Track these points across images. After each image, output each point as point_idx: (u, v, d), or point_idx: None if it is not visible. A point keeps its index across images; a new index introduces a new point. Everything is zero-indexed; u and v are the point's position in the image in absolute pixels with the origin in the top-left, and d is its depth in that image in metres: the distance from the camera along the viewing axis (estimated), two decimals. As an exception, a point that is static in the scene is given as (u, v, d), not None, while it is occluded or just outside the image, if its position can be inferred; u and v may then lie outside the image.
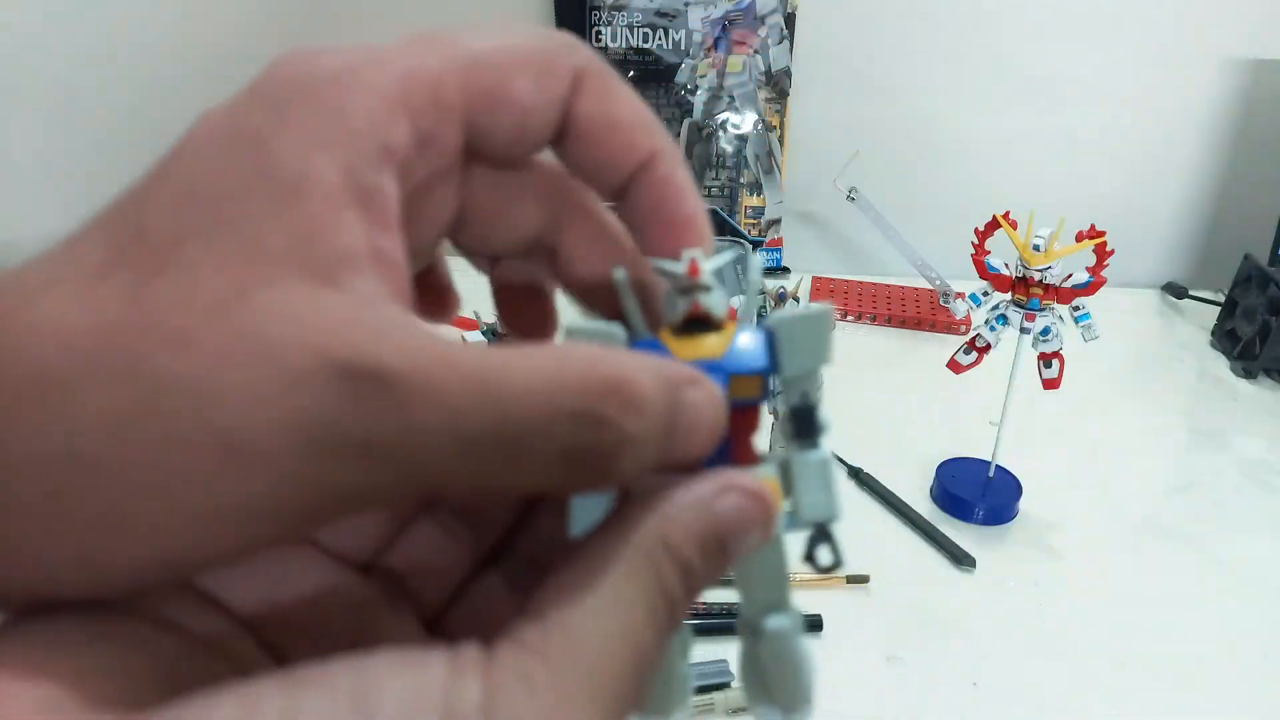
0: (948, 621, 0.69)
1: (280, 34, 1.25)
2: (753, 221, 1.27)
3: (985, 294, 0.74)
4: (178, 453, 0.15)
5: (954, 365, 0.76)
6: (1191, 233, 1.32)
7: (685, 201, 0.23)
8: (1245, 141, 1.25)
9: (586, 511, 0.22)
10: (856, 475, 0.83)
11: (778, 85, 1.22)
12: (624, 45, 1.21)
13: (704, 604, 0.66)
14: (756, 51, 1.21)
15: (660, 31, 1.20)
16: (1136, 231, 1.29)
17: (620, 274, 0.23)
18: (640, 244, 0.24)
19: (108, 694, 0.17)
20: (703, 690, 0.59)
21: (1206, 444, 0.95)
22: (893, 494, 0.81)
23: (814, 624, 0.66)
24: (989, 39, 1.20)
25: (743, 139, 1.24)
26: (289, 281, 0.16)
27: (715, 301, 0.22)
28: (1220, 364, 1.10)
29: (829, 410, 0.23)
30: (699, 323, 0.22)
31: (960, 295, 0.76)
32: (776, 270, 1.29)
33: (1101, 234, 0.70)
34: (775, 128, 1.24)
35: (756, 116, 1.23)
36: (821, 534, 0.22)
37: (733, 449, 0.22)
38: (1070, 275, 0.71)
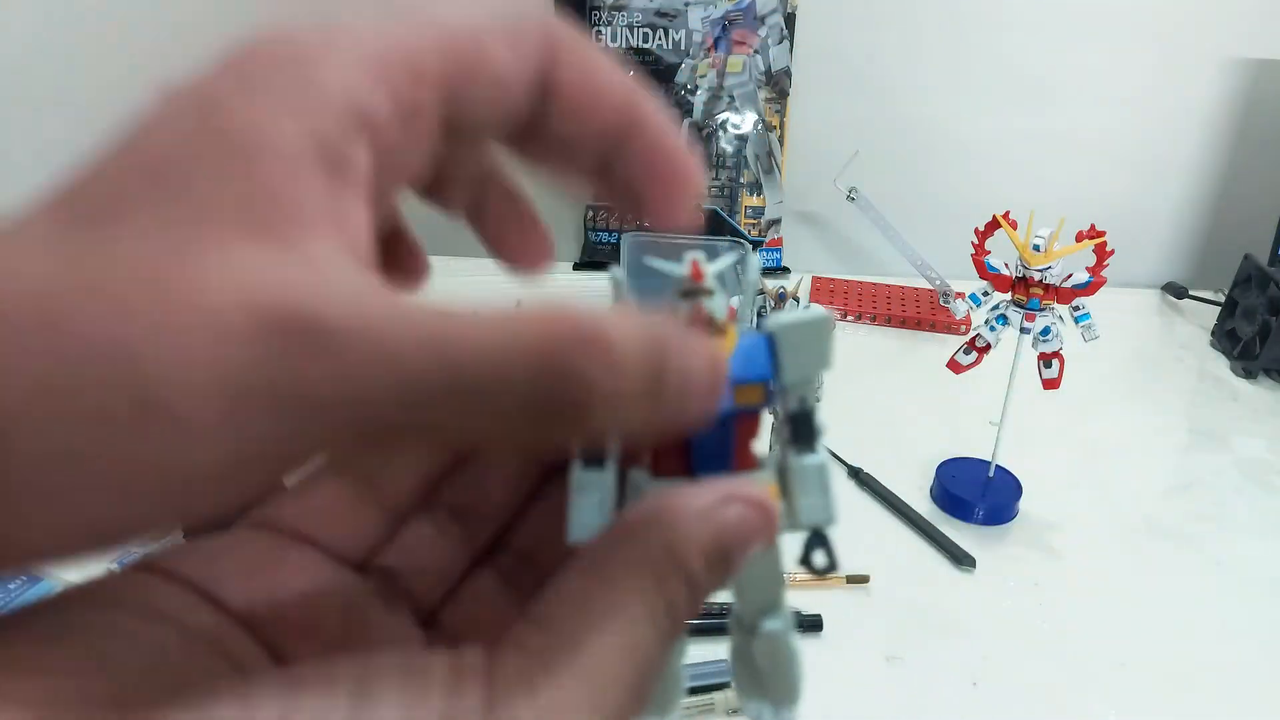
0: (948, 621, 0.69)
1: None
2: (753, 221, 1.27)
3: (985, 294, 0.74)
4: (93, 417, 0.15)
5: (954, 365, 0.76)
6: (1191, 233, 1.32)
7: (679, 157, 0.22)
8: (1245, 141, 1.25)
9: (585, 519, 0.22)
10: (856, 475, 0.83)
11: (778, 85, 1.22)
12: (624, 45, 1.21)
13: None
14: (756, 51, 1.21)
15: (660, 31, 1.20)
16: (1136, 231, 1.29)
17: (618, 274, 0.23)
18: (636, 208, 0.23)
19: (107, 691, 0.17)
20: (703, 690, 0.59)
21: (1206, 444, 0.95)
22: (893, 494, 0.81)
23: (814, 624, 0.66)
24: (989, 39, 1.20)
25: (743, 139, 1.24)
26: (235, 242, 0.16)
27: (717, 305, 0.22)
28: (1220, 364, 1.10)
29: (828, 410, 0.23)
30: (699, 326, 0.22)
31: (960, 295, 0.76)
32: (776, 270, 1.29)
33: (1101, 234, 0.70)
34: (775, 128, 1.24)
35: (756, 116, 1.23)
36: (818, 537, 0.22)
37: (733, 454, 0.22)
38: (1070, 275, 0.71)
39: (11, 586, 0.66)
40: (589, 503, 0.22)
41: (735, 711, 0.59)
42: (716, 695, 0.59)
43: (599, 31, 1.20)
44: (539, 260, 0.26)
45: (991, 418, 0.78)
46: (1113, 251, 0.71)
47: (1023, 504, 0.80)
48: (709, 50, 1.21)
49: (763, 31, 1.20)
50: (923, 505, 0.80)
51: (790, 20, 1.19)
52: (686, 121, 1.24)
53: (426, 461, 0.24)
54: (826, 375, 0.83)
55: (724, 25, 1.20)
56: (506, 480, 0.24)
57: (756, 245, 1.26)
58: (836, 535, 0.22)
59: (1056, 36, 1.20)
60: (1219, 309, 1.15)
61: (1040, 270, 0.70)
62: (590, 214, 1.28)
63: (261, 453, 0.16)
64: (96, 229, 0.16)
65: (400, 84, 0.19)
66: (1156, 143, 1.26)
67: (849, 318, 1.16)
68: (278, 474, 0.17)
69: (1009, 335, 0.74)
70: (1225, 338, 1.12)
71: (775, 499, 0.21)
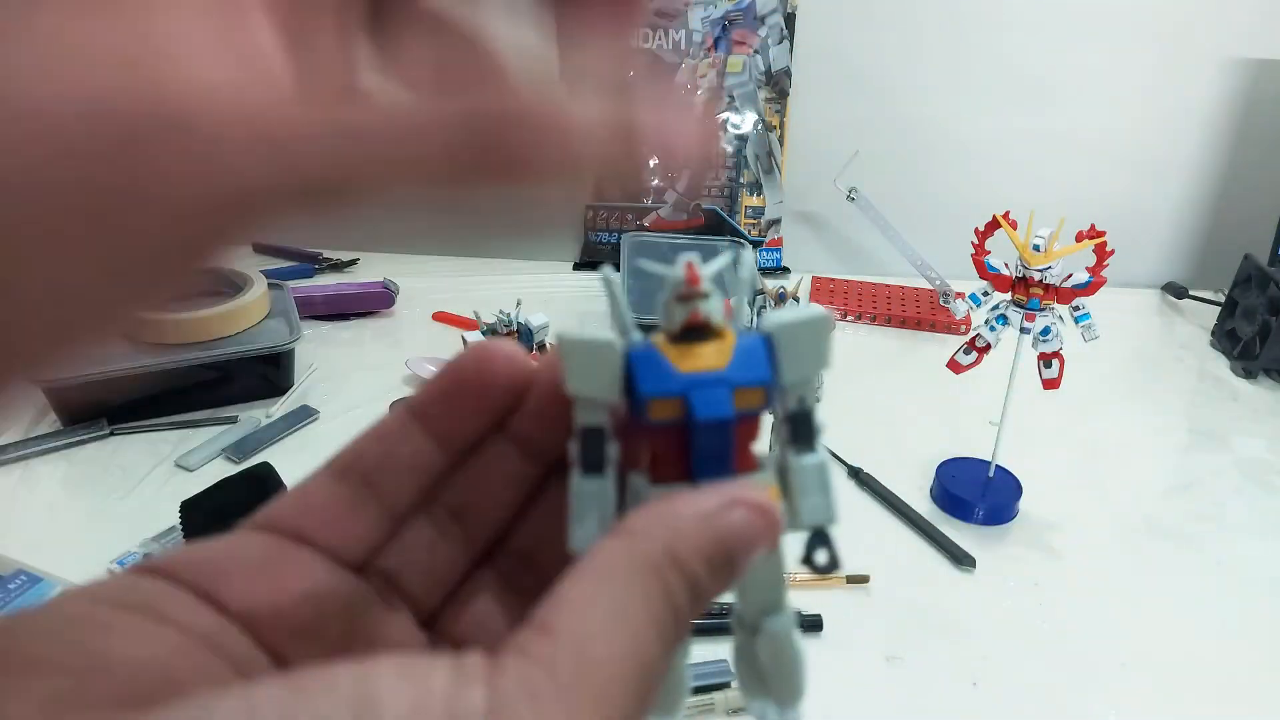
0: (948, 621, 0.69)
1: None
2: (753, 221, 1.27)
3: (985, 294, 0.74)
4: None
5: (954, 365, 0.76)
6: (1191, 233, 1.32)
7: None
8: (1245, 141, 1.25)
9: (586, 526, 0.22)
10: (856, 475, 0.83)
11: (778, 85, 1.22)
12: (624, 45, 1.21)
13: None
14: (756, 51, 1.21)
15: (660, 31, 1.20)
16: (1136, 231, 1.29)
17: (610, 274, 0.23)
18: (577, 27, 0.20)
19: (109, 692, 0.17)
20: (703, 690, 0.59)
21: (1206, 444, 0.95)
22: (893, 494, 0.81)
23: (814, 624, 0.66)
24: (989, 39, 1.20)
25: (743, 139, 1.24)
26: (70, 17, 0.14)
27: (714, 308, 0.22)
28: (1220, 364, 1.10)
29: (828, 410, 0.23)
30: (697, 330, 0.22)
31: (960, 295, 0.76)
32: (776, 270, 1.29)
33: (1101, 234, 0.70)
34: (775, 128, 1.24)
35: (756, 116, 1.23)
36: (819, 536, 0.22)
37: (733, 457, 0.22)
38: (1070, 275, 0.71)
39: (11, 586, 0.66)
40: (589, 510, 0.22)
41: (736, 711, 0.59)
42: (717, 695, 0.59)
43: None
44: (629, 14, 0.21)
45: (991, 418, 0.78)
46: (1113, 251, 0.71)
47: (1023, 504, 0.80)
48: (709, 50, 1.21)
49: (763, 31, 1.20)
50: (923, 505, 0.80)
51: (790, 20, 1.19)
52: (686, 121, 1.24)
53: (426, 462, 0.24)
54: (826, 375, 0.83)
55: (724, 25, 1.20)
56: (506, 481, 0.24)
57: (756, 245, 1.26)
58: (837, 535, 0.22)
59: (1056, 36, 1.20)
60: (1219, 309, 1.15)
61: (1040, 270, 0.70)
62: (590, 214, 1.28)
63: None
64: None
65: None
66: (1156, 143, 1.26)
67: (849, 318, 1.16)
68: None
69: (1009, 335, 0.74)
70: (1225, 338, 1.12)
71: (776, 500, 0.21)
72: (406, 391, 0.94)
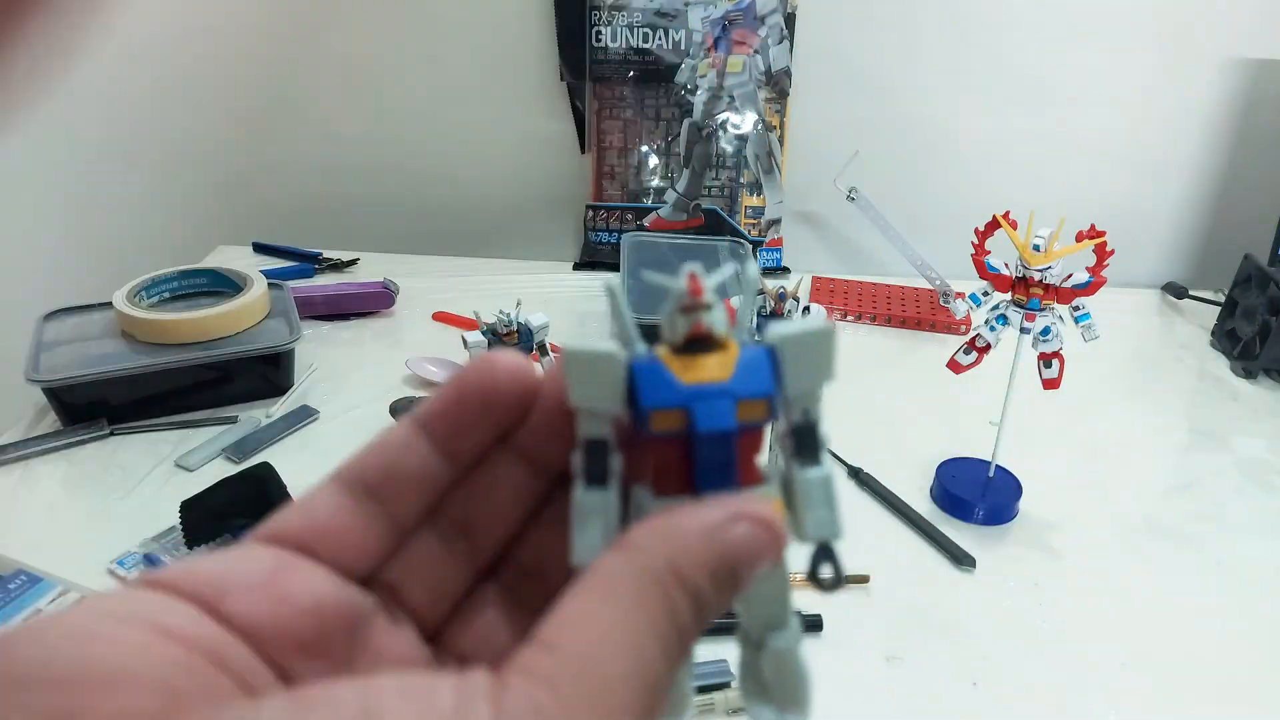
0: (948, 621, 0.69)
1: (274, 34, 1.24)
2: (753, 221, 1.27)
3: (985, 294, 0.74)
4: None
5: (954, 365, 0.76)
6: (1191, 233, 1.32)
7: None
8: (1245, 141, 1.25)
9: (589, 539, 0.21)
10: (856, 475, 0.83)
11: (778, 85, 1.22)
12: (624, 45, 1.21)
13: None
14: (756, 51, 1.21)
15: (660, 31, 1.20)
16: (1136, 231, 1.29)
17: (614, 284, 0.23)
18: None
19: (112, 706, 0.17)
20: (703, 690, 0.59)
21: (1206, 444, 0.95)
22: (893, 494, 0.81)
23: (814, 624, 0.66)
24: (989, 39, 1.20)
25: (743, 139, 1.24)
26: None
27: (717, 319, 0.22)
28: (1220, 364, 1.10)
29: (828, 410, 0.22)
30: (700, 341, 0.21)
31: (960, 295, 0.76)
32: (776, 270, 1.29)
33: (1101, 234, 0.70)
34: (775, 128, 1.24)
35: (756, 116, 1.23)
36: (824, 551, 0.22)
37: (737, 470, 0.22)
38: (1070, 275, 0.71)
39: (11, 586, 0.66)
40: (592, 523, 0.21)
41: (735, 711, 0.59)
42: (716, 695, 0.59)
43: (599, 31, 1.20)
44: None
45: (991, 418, 0.78)
46: (1113, 251, 0.71)
47: (1023, 504, 0.80)
48: (709, 50, 1.21)
49: (763, 31, 1.20)
50: (923, 505, 0.80)
51: (790, 20, 1.19)
52: (686, 121, 1.24)
53: (432, 475, 0.24)
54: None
55: (724, 25, 1.20)
56: (511, 494, 0.24)
57: (756, 245, 1.26)
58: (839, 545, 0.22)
59: (1056, 36, 1.20)
60: (1219, 309, 1.15)
61: (1040, 270, 0.70)
62: (590, 214, 1.28)
63: None
64: None
65: None
66: (1156, 143, 1.26)
67: (849, 318, 1.16)
68: None
69: (1009, 335, 0.74)
70: (1225, 338, 1.12)
71: (780, 513, 0.21)
72: (406, 391, 0.94)
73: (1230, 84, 1.22)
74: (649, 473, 0.22)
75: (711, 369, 0.21)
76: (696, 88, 1.22)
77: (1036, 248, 0.70)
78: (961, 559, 0.74)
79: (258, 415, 0.90)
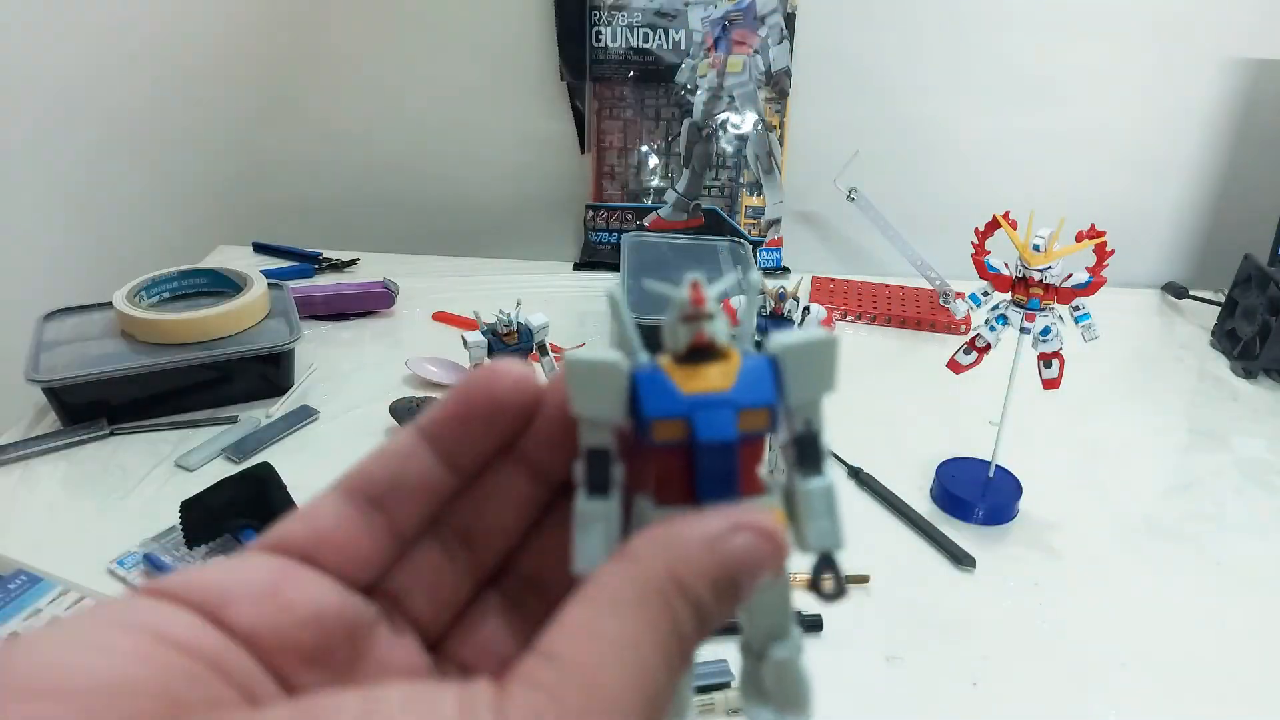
0: (948, 621, 0.69)
1: (274, 35, 1.24)
2: (753, 221, 1.27)
3: (985, 294, 0.74)
4: None
5: (954, 365, 0.76)
6: (1191, 233, 1.32)
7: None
8: (1245, 141, 1.25)
9: (590, 548, 0.21)
10: (856, 475, 0.83)
11: (778, 85, 1.22)
12: (624, 45, 1.21)
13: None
14: (756, 51, 1.21)
15: (660, 31, 1.20)
16: (1136, 231, 1.29)
17: (616, 294, 0.23)
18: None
19: (114, 715, 0.17)
20: (703, 690, 0.59)
21: (1206, 444, 0.95)
22: (893, 494, 0.81)
23: (814, 624, 0.66)
24: (988, 39, 1.20)
25: (743, 139, 1.24)
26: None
27: (718, 329, 0.22)
28: (1220, 364, 1.10)
29: (828, 410, 0.22)
30: (702, 351, 0.22)
31: (960, 295, 0.76)
32: (776, 270, 1.29)
33: (1101, 234, 0.70)
34: (775, 128, 1.24)
35: (756, 116, 1.23)
36: (826, 562, 0.22)
37: (738, 480, 0.22)
38: (1070, 275, 0.71)
39: (11, 586, 0.66)
40: (594, 532, 0.21)
41: (735, 711, 0.59)
42: (716, 695, 0.59)
43: (599, 32, 1.20)
44: None
45: (991, 418, 0.78)
46: (1113, 251, 0.71)
47: (1023, 504, 0.80)
48: (709, 50, 1.21)
49: (763, 31, 1.20)
50: (923, 505, 0.80)
51: (790, 20, 1.19)
52: (686, 121, 1.24)
53: (435, 484, 0.24)
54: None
55: (724, 25, 1.20)
56: (514, 503, 0.24)
57: (756, 245, 1.26)
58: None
59: (1056, 36, 1.20)
60: (1219, 309, 1.15)
61: (1040, 270, 0.70)
62: (590, 214, 1.28)
63: None
64: None
65: None
66: (1156, 143, 1.26)
67: (849, 318, 1.16)
68: None
69: (1009, 335, 0.74)
70: (1225, 338, 1.12)
71: (781, 523, 0.21)
72: (406, 391, 0.94)
73: (1230, 84, 1.22)
74: (651, 482, 0.22)
75: (713, 378, 0.21)
76: (696, 88, 1.22)
77: (1036, 248, 0.70)
78: (961, 559, 0.74)
79: (258, 415, 0.90)
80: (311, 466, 0.81)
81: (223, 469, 0.82)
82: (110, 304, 0.91)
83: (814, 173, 1.23)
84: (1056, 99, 1.23)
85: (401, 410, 0.88)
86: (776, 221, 1.27)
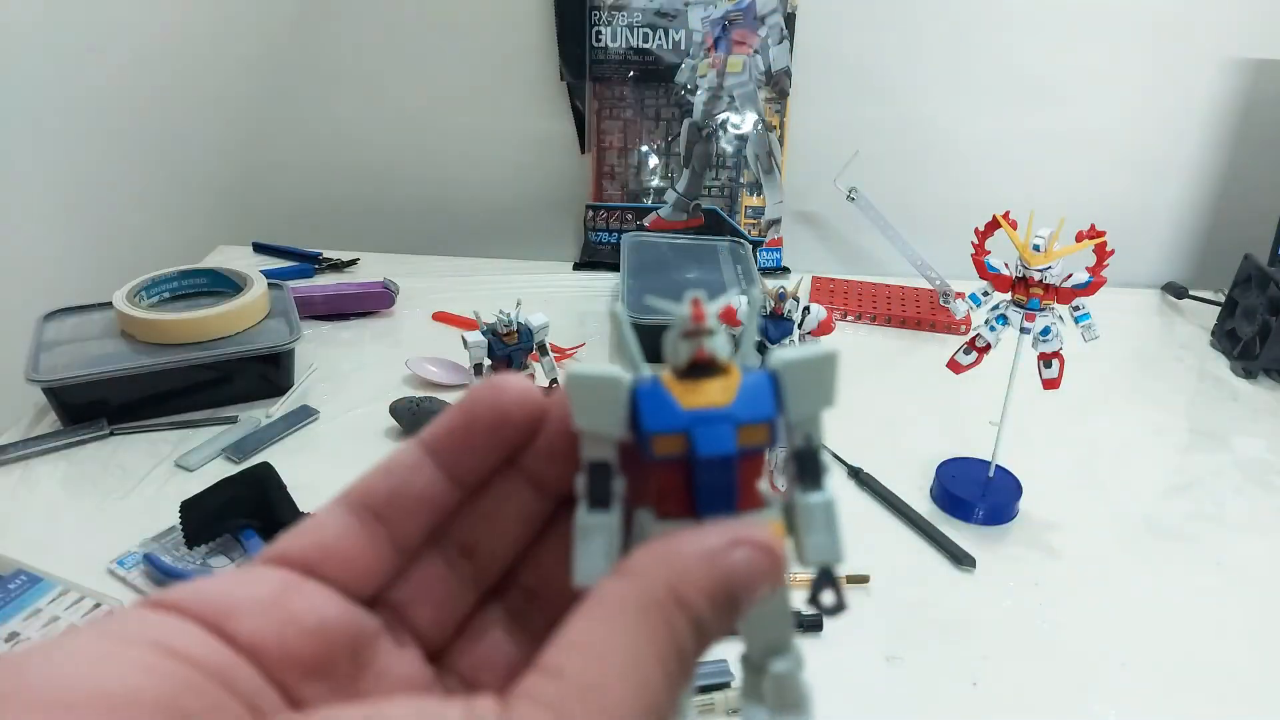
0: (948, 621, 0.69)
1: (274, 34, 1.24)
2: (753, 221, 1.27)
3: (985, 294, 0.74)
4: None
5: (954, 365, 0.76)
6: (1191, 233, 1.32)
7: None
8: (1245, 141, 1.25)
9: (591, 561, 0.22)
10: (856, 475, 0.83)
11: (778, 85, 1.22)
12: (624, 45, 1.21)
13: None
14: (756, 51, 1.21)
15: (660, 31, 1.20)
16: (1136, 231, 1.29)
17: (619, 309, 0.23)
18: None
19: None
20: (703, 690, 0.59)
21: (1206, 444, 0.95)
22: (893, 494, 0.81)
23: (814, 624, 0.66)
24: (989, 39, 1.20)
25: (743, 139, 1.24)
26: None
27: (719, 344, 0.22)
28: (1220, 364, 1.10)
29: (828, 413, 0.23)
30: (702, 366, 0.22)
31: (960, 295, 0.76)
32: (776, 270, 1.29)
33: (1101, 234, 0.70)
34: (775, 128, 1.24)
35: (756, 116, 1.23)
36: (826, 576, 0.22)
37: (738, 494, 0.22)
38: (1070, 275, 0.71)
39: (11, 586, 0.66)
40: (595, 545, 0.22)
41: (735, 711, 0.59)
42: (716, 695, 0.59)
43: (599, 32, 1.20)
44: None
45: (991, 418, 0.78)
46: (1113, 251, 0.71)
47: (1023, 504, 0.80)
48: (709, 50, 1.21)
49: (763, 31, 1.20)
50: (923, 505, 0.80)
51: (790, 20, 1.19)
52: (686, 121, 1.24)
53: (438, 497, 0.24)
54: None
55: (724, 25, 1.20)
56: (517, 517, 0.24)
57: (756, 245, 1.25)
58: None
59: (1056, 36, 1.20)
60: (1219, 309, 1.15)
61: (1040, 270, 0.70)
62: (590, 214, 1.28)
63: None
64: None
65: None
66: (1156, 143, 1.26)
67: (849, 318, 1.16)
68: None
69: (1009, 335, 0.74)
70: (1225, 338, 1.12)
71: (780, 537, 0.21)
72: (406, 391, 0.94)
73: (1230, 84, 1.22)
74: (652, 495, 0.22)
75: (713, 393, 0.21)
76: (696, 88, 1.22)
77: (1036, 248, 0.70)
78: (961, 559, 0.74)
79: (258, 415, 0.90)
80: (311, 466, 0.81)
81: (223, 469, 0.82)
82: (110, 304, 0.92)
83: (814, 173, 1.23)
84: (1056, 99, 1.23)
85: (401, 410, 0.87)
86: (776, 221, 1.27)
